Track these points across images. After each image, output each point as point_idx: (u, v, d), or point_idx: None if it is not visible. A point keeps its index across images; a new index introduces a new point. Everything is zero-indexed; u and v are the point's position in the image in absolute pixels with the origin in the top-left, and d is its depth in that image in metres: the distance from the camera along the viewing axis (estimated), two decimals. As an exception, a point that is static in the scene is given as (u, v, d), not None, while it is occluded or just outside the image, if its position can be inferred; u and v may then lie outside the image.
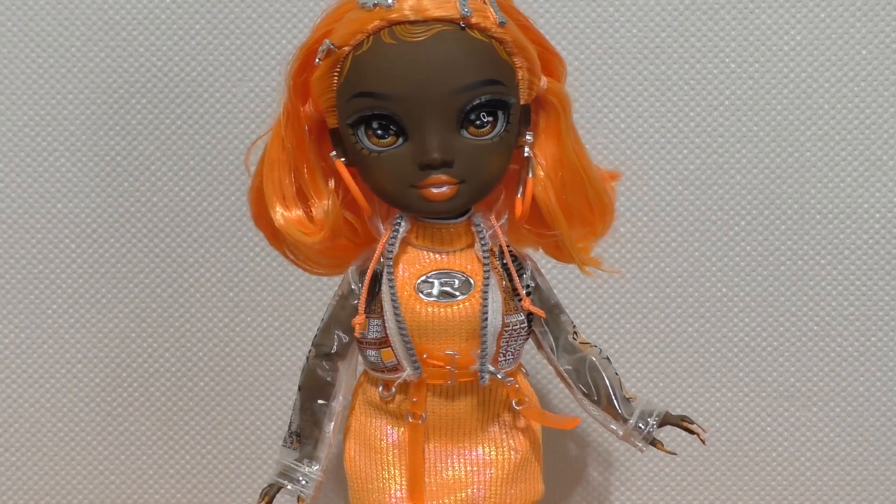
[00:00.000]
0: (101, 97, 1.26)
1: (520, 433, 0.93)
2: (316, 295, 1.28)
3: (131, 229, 1.28)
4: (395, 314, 0.87)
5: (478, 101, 0.84)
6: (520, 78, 0.87)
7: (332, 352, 0.92)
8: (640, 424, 0.96)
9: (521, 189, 0.90)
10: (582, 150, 0.92)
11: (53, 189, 1.27)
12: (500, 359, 0.90)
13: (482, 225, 0.89)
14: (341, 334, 0.92)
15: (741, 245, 1.27)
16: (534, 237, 0.95)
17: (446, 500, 0.91)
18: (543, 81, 0.89)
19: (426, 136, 0.84)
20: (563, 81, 0.92)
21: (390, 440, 0.92)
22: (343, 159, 0.89)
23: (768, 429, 1.30)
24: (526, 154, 0.89)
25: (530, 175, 0.90)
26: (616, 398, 0.96)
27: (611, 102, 1.25)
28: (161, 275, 1.29)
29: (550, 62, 0.90)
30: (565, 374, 0.96)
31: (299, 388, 0.94)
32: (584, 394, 0.96)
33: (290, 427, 0.94)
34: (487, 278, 0.88)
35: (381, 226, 0.90)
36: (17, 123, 1.26)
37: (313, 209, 0.90)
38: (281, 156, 0.89)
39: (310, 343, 0.94)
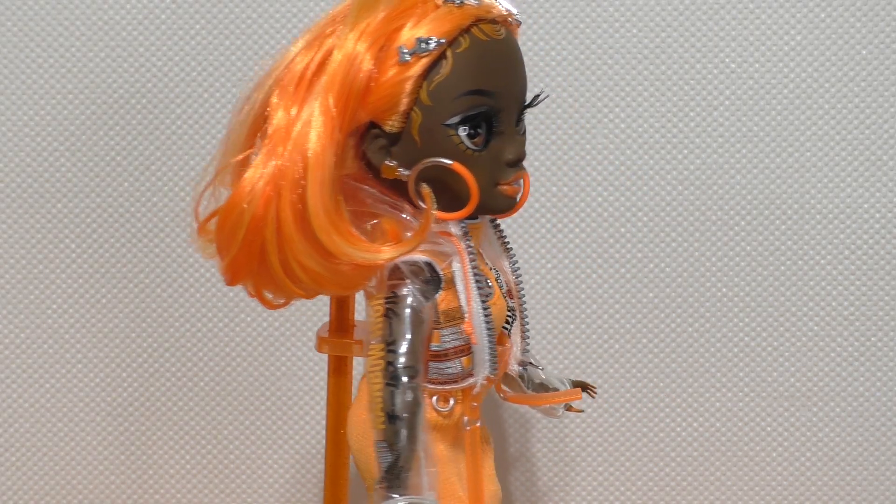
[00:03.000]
0: (101, 97, 1.26)
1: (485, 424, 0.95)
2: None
3: (131, 229, 1.28)
4: (486, 316, 0.85)
5: (527, 99, 0.87)
6: None
7: (420, 370, 0.84)
8: (560, 388, 0.97)
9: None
10: None
11: (53, 189, 1.27)
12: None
13: (500, 224, 0.92)
14: (420, 351, 0.84)
15: (741, 245, 1.27)
16: None
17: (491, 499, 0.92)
18: None
19: (511, 133, 0.85)
20: None
21: (448, 455, 0.88)
22: (401, 168, 0.84)
23: (768, 429, 1.30)
24: None
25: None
26: (545, 373, 0.97)
27: (611, 102, 1.25)
28: (161, 275, 1.29)
29: None
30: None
31: (395, 418, 0.82)
32: (518, 375, 0.96)
33: (393, 467, 0.81)
34: (517, 271, 0.91)
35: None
36: (17, 123, 1.26)
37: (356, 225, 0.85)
38: (326, 177, 0.82)
39: (384, 367, 0.83)
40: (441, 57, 0.83)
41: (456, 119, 0.83)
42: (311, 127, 0.82)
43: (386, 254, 0.83)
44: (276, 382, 1.30)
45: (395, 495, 0.80)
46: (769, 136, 1.25)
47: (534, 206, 1.26)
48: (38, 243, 1.28)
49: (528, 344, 0.92)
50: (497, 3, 0.85)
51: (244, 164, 0.85)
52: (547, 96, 0.90)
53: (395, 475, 0.80)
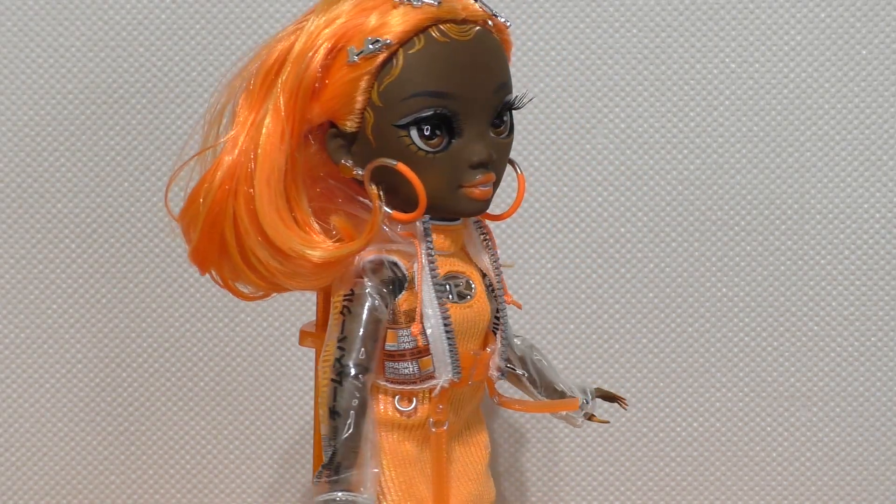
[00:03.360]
0: (101, 97, 1.26)
1: (486, 428, 0.94)
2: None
3: (131, 229, 1.28)
4: (444, 318, 0.85)
5: (506, 101, 0.85)
6: None
7: (370, 368, 0.85)
8: (584, 400, 0.98)
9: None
10: None
11: (53, 189, 1.27)
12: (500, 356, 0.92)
13: (487, 226, 0.91)
14: (371, 350, 0.85)
15: (741, 245, 1.27)
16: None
17: (465, 499, 0.91)
18: None
19: (477, 135, 0.84)
20: None
21: (414, 455, 0.88)
22: (357, 168, 0.85)
23: (768, 429, 1.30)
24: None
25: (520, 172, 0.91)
26: (559, 380, 0.97)
27: (611, 102, 1.25)
28: (161, 275, 1.29)
29: None
30: (516, 364, 0.97)
31: (336, 414, 0.83)
32: (529, 380, 0.97)
33: (331, 462, 0.82)
34: (499, 275, 0.90)
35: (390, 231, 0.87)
36: (17, 123, 1.26)
37: (314, 221, 0.86)
38: (273, 174, 0.84)
39: (332, 363, 0.84)
40: (392, 57, 0.82)
41: (406, 120, 0.82)
42: (263, 125, 0.83)
43: (318, 251, 0.83)
44: (276, 382, 1.30)
45: (331, 490, 0.81)
46: (769, 136, 1.25)
47: (534, 206, 1.26)
48: (37, 243, 1.28)
49: (504, 350, 0.91)
50: (471, 3, 0.84)
51: (214, 156, 0.87)
52: (531, 98, 0.87)
53: (332, 470, 0.82)
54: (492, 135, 0.85)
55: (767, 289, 1.27)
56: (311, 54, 0.83)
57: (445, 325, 0.85)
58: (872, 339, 1.28)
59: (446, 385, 0.86)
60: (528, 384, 0.97)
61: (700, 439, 1.30)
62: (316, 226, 0.85)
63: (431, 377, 0.86)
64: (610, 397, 1.02)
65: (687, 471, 1.31)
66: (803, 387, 1.29)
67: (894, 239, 1.27)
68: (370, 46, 0.82)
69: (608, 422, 1.04)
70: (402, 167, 0.83)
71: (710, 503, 1.31)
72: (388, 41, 0.82)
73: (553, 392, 0.97)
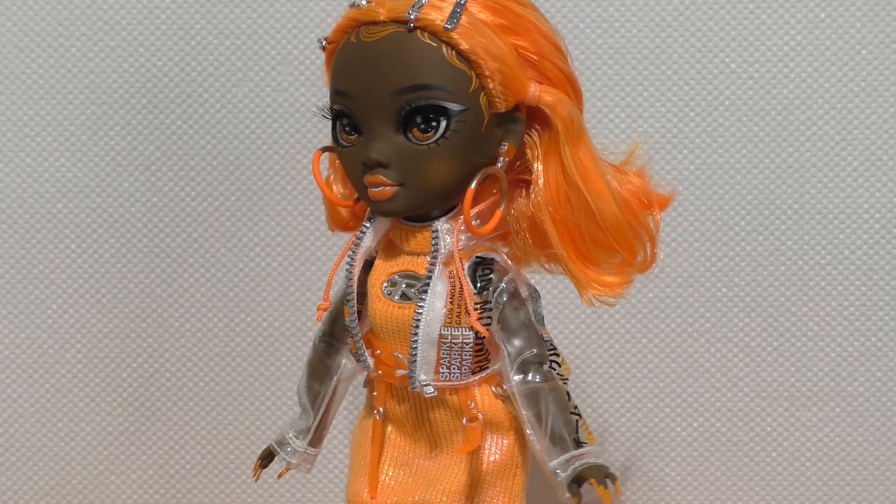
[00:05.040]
0: (101, 97, 1.26)
1: (486, 451, 0.90)
2: (316, 295, 1.28)
3: (131, 229, 1.28)
4: (350, 305, 0.89)
5: (416, 105, 0.83)
6: (477, 87, 0.84)
7: (330, 333, 0.95)
8: (558, 470, 0.85)
9: (502, 203, 0.88)
10: (592, 174, 0.88)
11: (53, 189, 1.27)
12: (441, 370, 0.88)
13: (440, 231, 0.87)
14: (336, 317, 0.95)
15: (741, 245, 1.27)
16: (534, 255, 0.92)
17: (397, 499, 0.91)
18: (533, 95, 0.86)
19: (376, 136, 0.85)
20: (574, 101, 0.89)
21: (369, 432, 0.93)
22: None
23: (768, 429, 1.30)
24: (499, 164, 0.86)
25: (512, 189, 0.88)
26: (554, 434, 0.86)
27: (611, 102, 1.25)
28: (161, 275, 1.29)
29: (556, 77, 0.88)
30: (517, 398, 0.89)
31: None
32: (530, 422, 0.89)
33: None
34: (426, 285, 0.86)
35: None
36: (17, 123, 1.26)
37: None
38: None
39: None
40: (331, 56, 0.88)
41: (327, 114, 0.88)
42: None
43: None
44: (276, 382, 1.30)
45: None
46: (769, 136, 1.25)
47: (534, 206, 1.26)
48: (38, 243, 1.28)
49: (425, 364, 0.87)
50: (398, 6, 0.83)
51: None
52: (426, 103, 0.83)
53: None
54: (412, 138, 0.84)
55: (767, 289, 1.27)
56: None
57: (350, 312, 0.89)
58: (872, 339, 1.28)
59: (370, 374, 0.91)
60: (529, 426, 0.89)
61: (700, 439, 1.30)
62: None
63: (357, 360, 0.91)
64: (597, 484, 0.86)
65: (687, 471, 1.31)
66: (803, 387, 1.29)
67: (894, 239, 1.27)
68: (321, 43, 0.88)
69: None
70: (331, 156, 0.93)
71: (710, 503, 1.31)
72: (323, 42, 0.87)
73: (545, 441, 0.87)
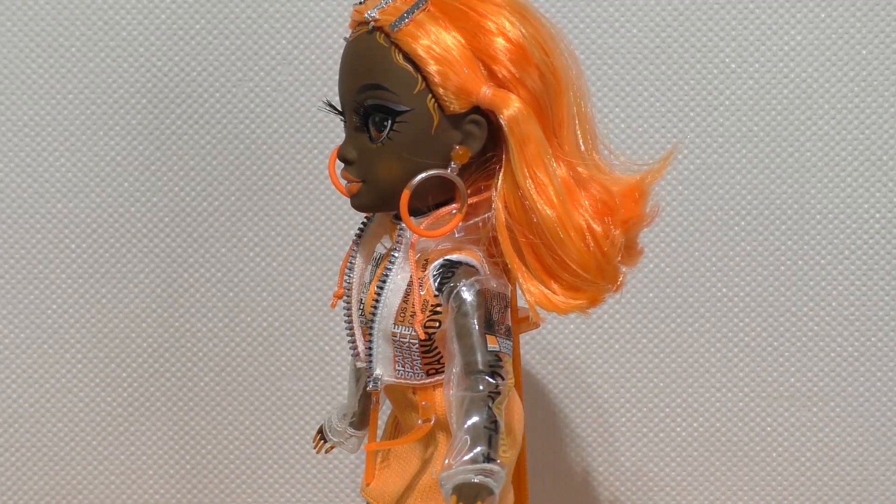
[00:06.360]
0: (100, 97, 1.26)
1: (428, 446, 0.90)
2: (316, 295, 1.28)
3: (131, 229, 1.28)
4: (346, 294, 0.92)
5: (369, 104, 0.85)
6: (423, 88, 0.84)
7: None
8: (442, 482, 0.81)
9: (463, 207, 0.86)
10: (543, 190, 0.84)
11: (53, 189, 1.27)
12: (396, 367, 0.88)
13: (405, 229, 0.87)
14: None
15: (741, 245, 1.27)
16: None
17: (383, 486, 0.92)
18: (484, 97, 0.83)
19: (346, 133, 0.88)
20: (528, 107, 0.84)
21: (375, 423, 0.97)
22: None
23: (768, 429, 1.30)
24: (450, 168, 0.85)
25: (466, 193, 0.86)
26: (454, 443, 0.82)
27: (611, 102, 1.25)
28: (161, 275, 1.29)
29: (508, 80, 0.84)
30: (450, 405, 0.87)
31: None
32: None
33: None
34: (383, 280, 0.87)
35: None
36: (17, 123, 1.26)
37: None
38: None
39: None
40: None
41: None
42: None
43: None
44: (276, 382, 1.30)
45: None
46: (769, 136, 1.25)
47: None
48: (38, 243, 1.28)
49: (370, 364, 0.89)
50: (364, 7, 0.86)
51: None
52: (374, 103, 0.84)
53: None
54: (368, 135, 0.86)
55: (767, 289, 1.27)
56: None
57: (346, 300, 0.92)
58: (872, 339, 1.28)
59: (358, 360, 0.93)
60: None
61: (700, 439, 1.30)
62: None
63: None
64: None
65: (687, 471, 1.31)
66: (803, 387, 1.29)
67: (894, 239, 1.27)
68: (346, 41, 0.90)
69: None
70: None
71: (710, 503, 1.31)
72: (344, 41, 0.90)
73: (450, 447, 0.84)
